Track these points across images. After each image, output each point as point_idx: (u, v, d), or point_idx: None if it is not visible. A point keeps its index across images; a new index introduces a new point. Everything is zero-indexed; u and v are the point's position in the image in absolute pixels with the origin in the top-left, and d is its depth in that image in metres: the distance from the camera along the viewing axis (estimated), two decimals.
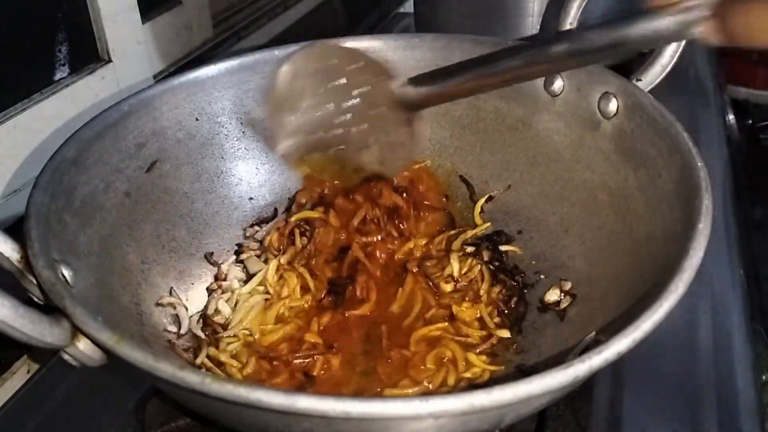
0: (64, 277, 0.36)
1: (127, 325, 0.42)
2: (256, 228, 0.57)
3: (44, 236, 0.37)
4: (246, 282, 0.53)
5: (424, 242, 0.55)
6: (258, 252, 0.55)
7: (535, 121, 0.56)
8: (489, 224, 0.57)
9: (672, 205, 0.42)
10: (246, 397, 0.28)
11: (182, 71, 0.55)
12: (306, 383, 0.45)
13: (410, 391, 0.44)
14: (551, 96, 0.54)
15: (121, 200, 0.48)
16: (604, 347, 0.30)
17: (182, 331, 0.48)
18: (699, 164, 0.41)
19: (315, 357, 0.46)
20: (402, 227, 0.55)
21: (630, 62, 0.83)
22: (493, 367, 0.46)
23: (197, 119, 0.55)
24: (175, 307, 0.49)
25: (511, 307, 0.50)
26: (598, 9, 0.76)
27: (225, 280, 0.53)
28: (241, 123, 0.57)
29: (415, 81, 0.47)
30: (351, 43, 0.59)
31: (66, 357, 0.33)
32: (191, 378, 0.29)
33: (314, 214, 0.54)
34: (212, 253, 0.54)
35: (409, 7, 1.18)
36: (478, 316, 0.49)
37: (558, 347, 0.46)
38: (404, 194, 0.56)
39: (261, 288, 0.52)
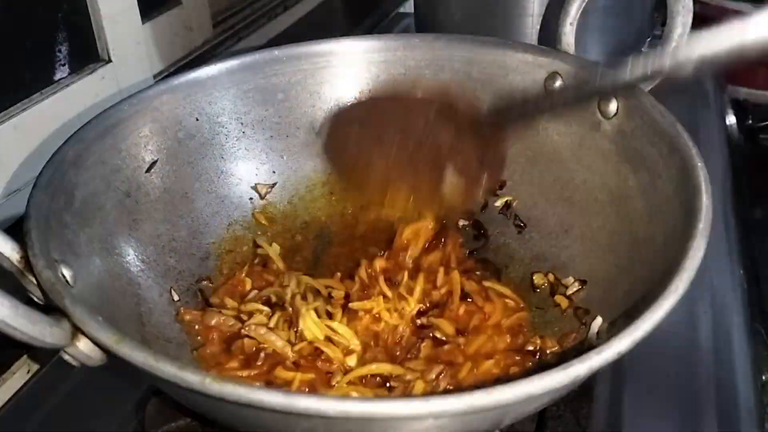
0: (64, 277, 0.36)
1: (127, 325, 0.42)
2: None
3: (44, 236, 0.37)
4: None
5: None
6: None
7: (535, 122, 0.56)
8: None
9: (672, 205, 0.42)
10: (246, 397, 0.28)
11: (182, 71, 0.55)
12: None
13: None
14: None
15: (121, 200, 0.48)
16: (604, 347, 0.30)
17: None
18: (699, 164, 0.41)
19: None
20: None
21: None
22: None
23: (197, 119, 0.55)
24: None
25: None
26: (599, 9, 0.76)
27: None
28: (241, 123, 0.57)
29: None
30: (351, 42, 0.59)
31: (66, 357, 0.33)
32: (191, 378, 0.29)
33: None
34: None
35: (409, 7, 1.18)
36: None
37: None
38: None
39: None
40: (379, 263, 0.52)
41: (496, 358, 0.46)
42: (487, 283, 0.52)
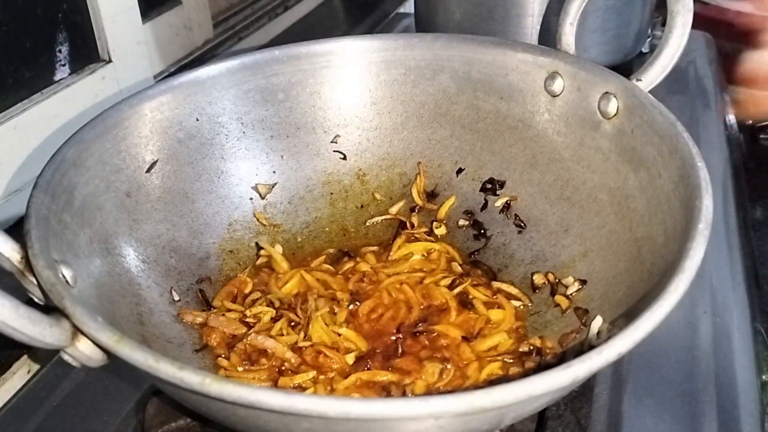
0: (64, 277, 0.36)
1: (127, 325, 0.42)
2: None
3: (44, 236, 0.37)
4: None
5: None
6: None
7: (535, 121, 0.56)
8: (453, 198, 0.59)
9: (672, 205, 0.42)
10: (246, 398, 0.28)
11: (182, 71, 0.55)
12: None
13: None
14: (551, 96, 0.54)
15: (122, 200, 0.48)
16: (604, 347, 0.30)
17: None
18: (699, 164, 0.41)
19: None
20: None
21: (630, 62, 0.83)
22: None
23: (197, 119, 0.55)
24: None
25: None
26: (599, 9, 0.77)
27: None
28: (241, 123, 0.57)
29: None
30: (351, 42, 0.59)
31: (66, 357, 0.33)
32: (191, 378, 0.29)
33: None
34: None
35: (409, 7, 1.18)
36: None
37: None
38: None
39: None
40: (364, 266, 0.54)
41: (502, 360, 0.46)
42: (496, 284, 0.52)
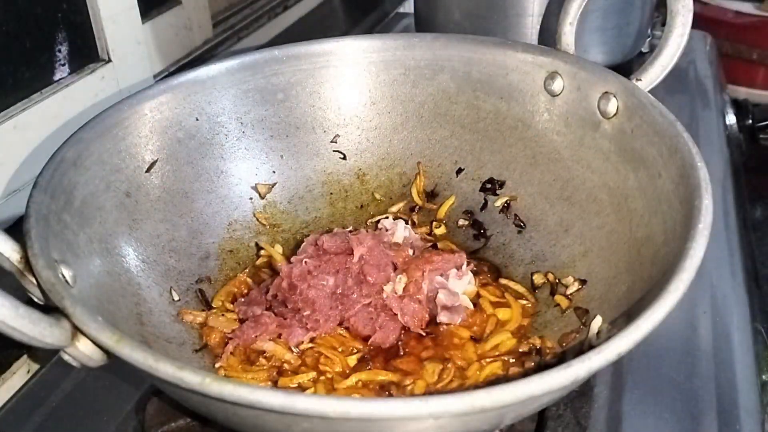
0: (64, 277, 0.36)
1: (127, 325, 0.42)
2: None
3: (44, 236, 0.37)
4: None
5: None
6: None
7: (535, 121, 0.56)
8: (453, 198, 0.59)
9: (672, 205, 0.42)
10: (246, 398, 0.28)
11: (182, 71, 0.55)
12: None
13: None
14: (551, 96, 0.54)
15: (121, 200, 0.48)
16: (604, 347, 0.30)
17: None
18: (699, 164, 0.41)
19: None
20: None
21: (630, 62, 0.83)
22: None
23: (197, 119, 0.55)
24: None
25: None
26: (599, 9, 0.76)
27: None
28: (241, 123, 0.57)
29: None
30: (351, 42, 0.59)
31: (66, 357, 0.33)
32: (191, 378, 0.29)
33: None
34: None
35: (409, 7, 1.18)
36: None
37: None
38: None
39: None
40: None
41: (502, 360, 0.46)
42: (503, 281, 0.52)
